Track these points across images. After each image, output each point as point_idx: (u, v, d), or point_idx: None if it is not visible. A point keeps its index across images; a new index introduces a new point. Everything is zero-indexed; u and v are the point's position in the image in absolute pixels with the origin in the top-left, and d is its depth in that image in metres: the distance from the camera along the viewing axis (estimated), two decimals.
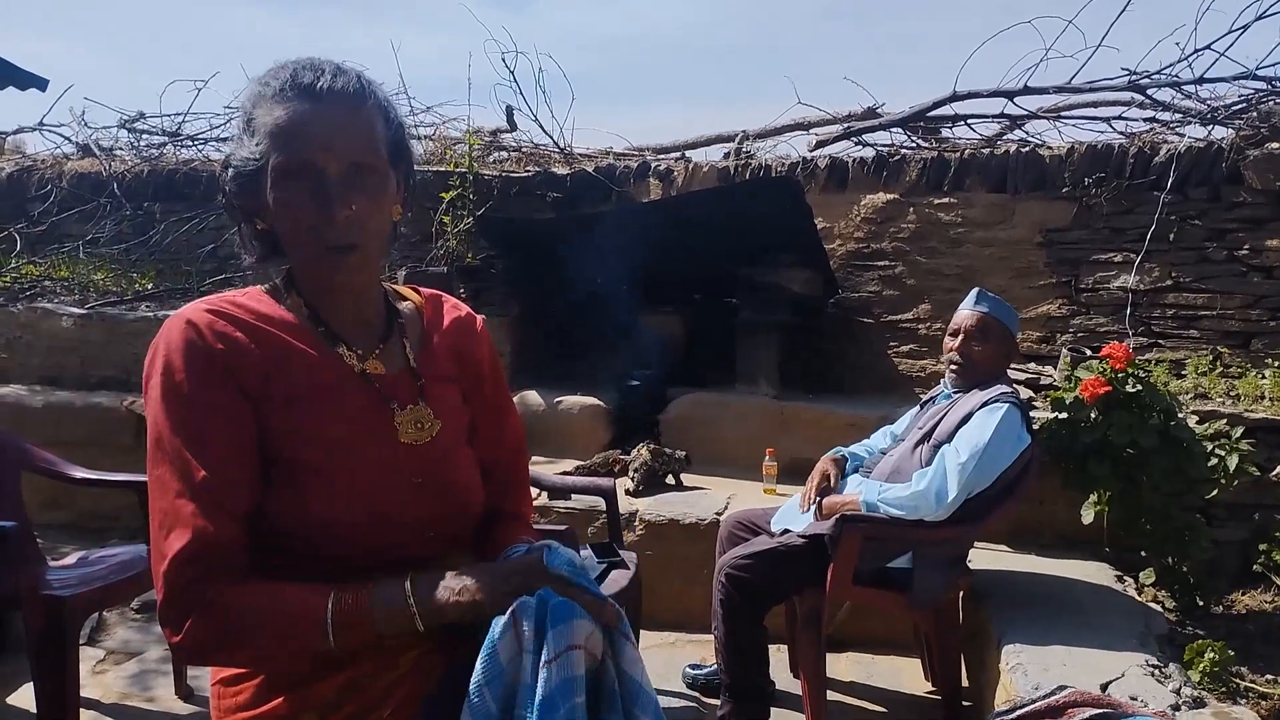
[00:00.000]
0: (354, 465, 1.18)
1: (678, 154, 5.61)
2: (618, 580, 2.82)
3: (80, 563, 2.88)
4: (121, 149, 6.62)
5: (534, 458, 4.50)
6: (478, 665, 1.08)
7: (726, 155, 5.33)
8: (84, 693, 2.85)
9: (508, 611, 1.09)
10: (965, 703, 2.99)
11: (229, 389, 1.14)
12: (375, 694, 1.17)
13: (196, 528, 1.09)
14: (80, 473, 3.10)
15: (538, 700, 1.04)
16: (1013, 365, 3.63)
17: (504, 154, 5.84)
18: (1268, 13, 4.46)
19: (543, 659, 1.06)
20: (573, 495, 3.81)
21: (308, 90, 1.15)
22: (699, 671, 3.21)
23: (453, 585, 1.14)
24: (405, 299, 1.38)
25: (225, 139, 6.42)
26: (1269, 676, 2.60)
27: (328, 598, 1.10)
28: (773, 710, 2.90)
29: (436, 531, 1.25)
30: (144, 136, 6.60)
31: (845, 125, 5.31)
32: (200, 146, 6.42)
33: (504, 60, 6.01)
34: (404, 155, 1.26)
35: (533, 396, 4.79)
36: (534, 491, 3.39)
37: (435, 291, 1.43)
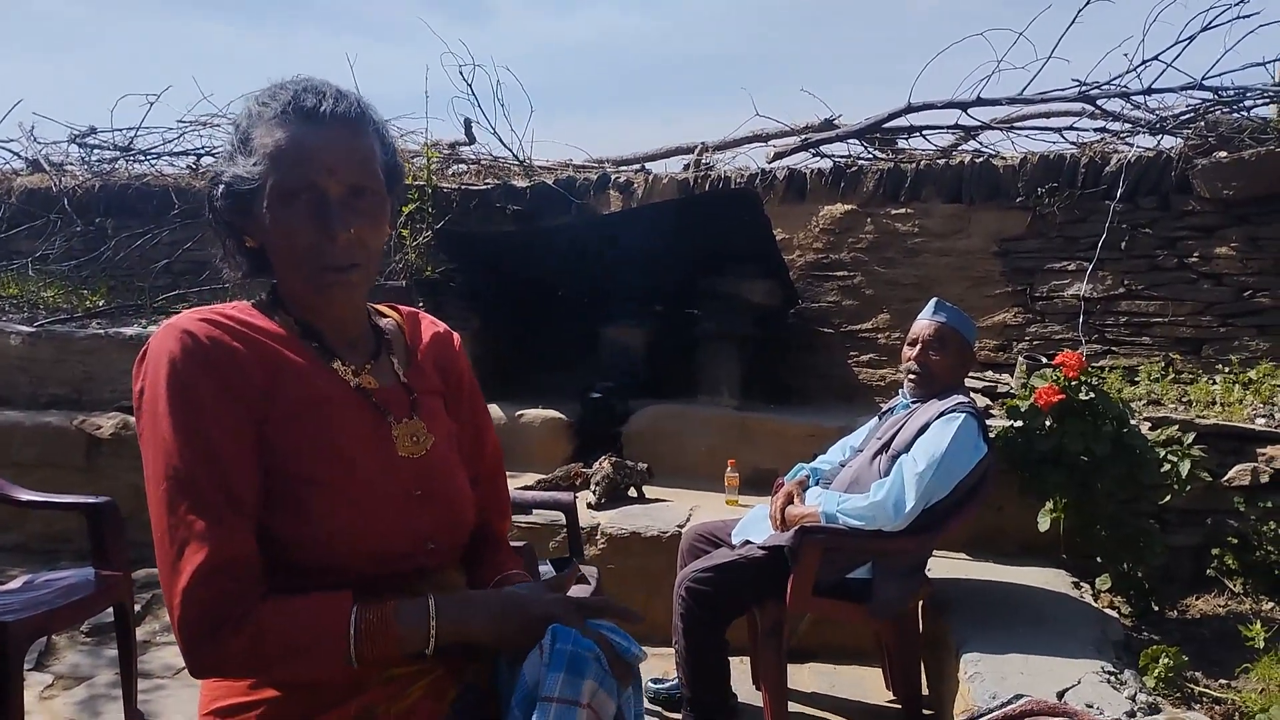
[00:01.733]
0: (356, 479, 1.18)
1: (637, 166, 5.62)
2: (579, 595, 2.80)
3: (26, 586, 2.80)
4: (72, 164, 6.52)
5: None
6: (516, 685, 1.12)
7: (686, 167, 5.36)
8: (30, 719, 2.78)
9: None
10: (926, 711, 3.00)
11: (232, 397, 1.12)
12: None
13: (215, 541, 1.07)
14: (26, 495, 3.02)
15: None
16: (970, 374, 3.66)
17: (463, 167, 5.81)
18: (1213, 24, 4.56)
19: (547, 692, 1.08)
20: (533, 510, 3.78)
21: (310, 114, 1.16)
22: (660, 685, 3.19)
23: (478, 611, 1.17)
24: (385, 316, 1.39)
25: (180, 153, 6.36)
26: (1222, 681, 2.63)
27: (350, 612, 1.10)
28: None
29: (436, 543, 1.25)
30: (95, 151, 6.51)
31: (803, 137, 5.36)
32: (153, 161, 6.34)
33: (461, 73, 6.02)
34: (397, 178, 1.28)
35: (493, 409, 4.74)
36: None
37: (413, 309, 1.44)
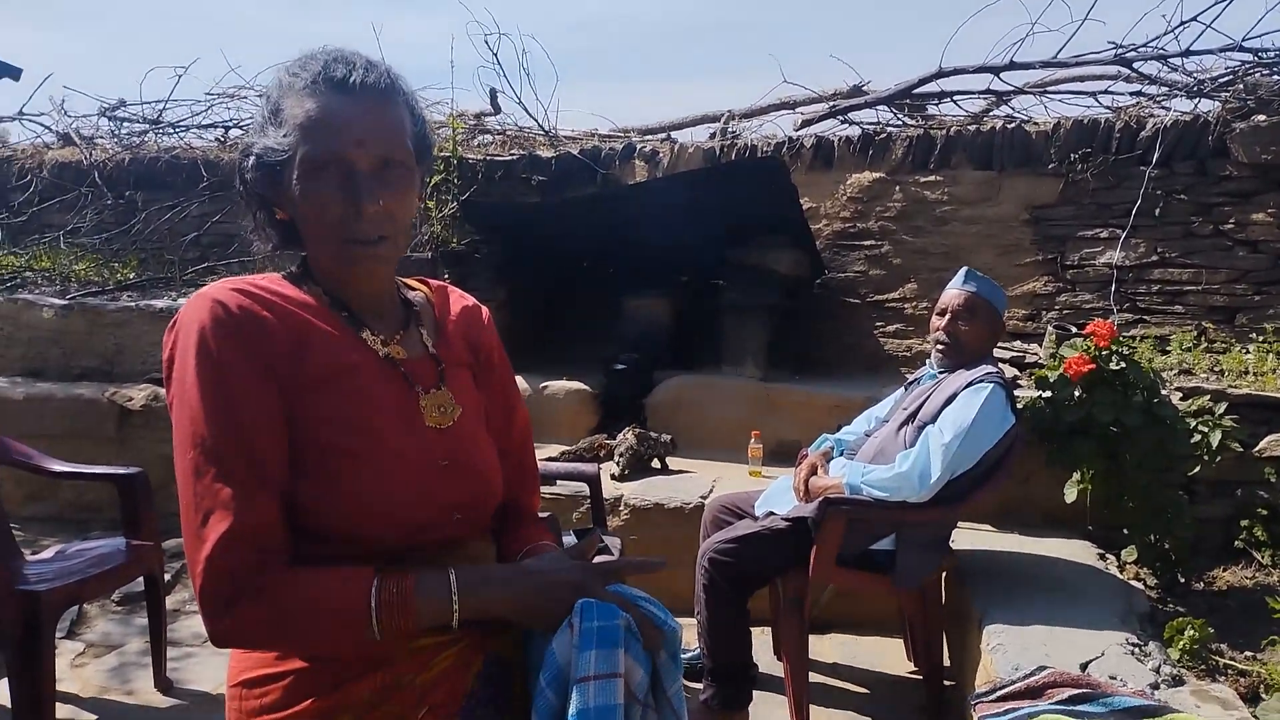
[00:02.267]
0: (385, 448, 1.17)
1: (663, 135, 5.58)
2: None
3: (58, 556, 2.87)
4: (102, 137, 6.57)
5: None
6: (544, 663, 1.12)
7: (712, 136, 5.30)
8: (62, 687, 2.85)
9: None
10: (947, 682, 2.99)
11: (260, 367, 1.12)
12: (414, 693, 1.16)
13: (240, 510, 1.07)
14: (59, 465, 3.08)
15: (573, 711, 1.06)
16: (999, 344, 3.62)
17: (488, 137, 5.80)
18: None
19: (582, 673, 1.08)
20: (557, 481, 3.80)
21: (340, 84, 1.15)
22: (682, 655, 3.20)
23: (499, 587, 1.18)
24: (414, 289, 1.39)
25: (208, 125, 6.39)
26: (1248, 653, 2.60)
27: (371, 585, 1.10)
28: (755, 692, 2.90)
29: (463, 515, 1.25)
30: (125, 124, 6.56)
31: (831, 104, 5.28)
32: (182, 133, 6.38)
33: (487, 42, 5.98)
34: (427, 150, 1.27)
35: (519, 381, 4.76)
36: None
37: (442, 283, 1.44)
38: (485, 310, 1.45)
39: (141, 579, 2.99)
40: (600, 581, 1.19)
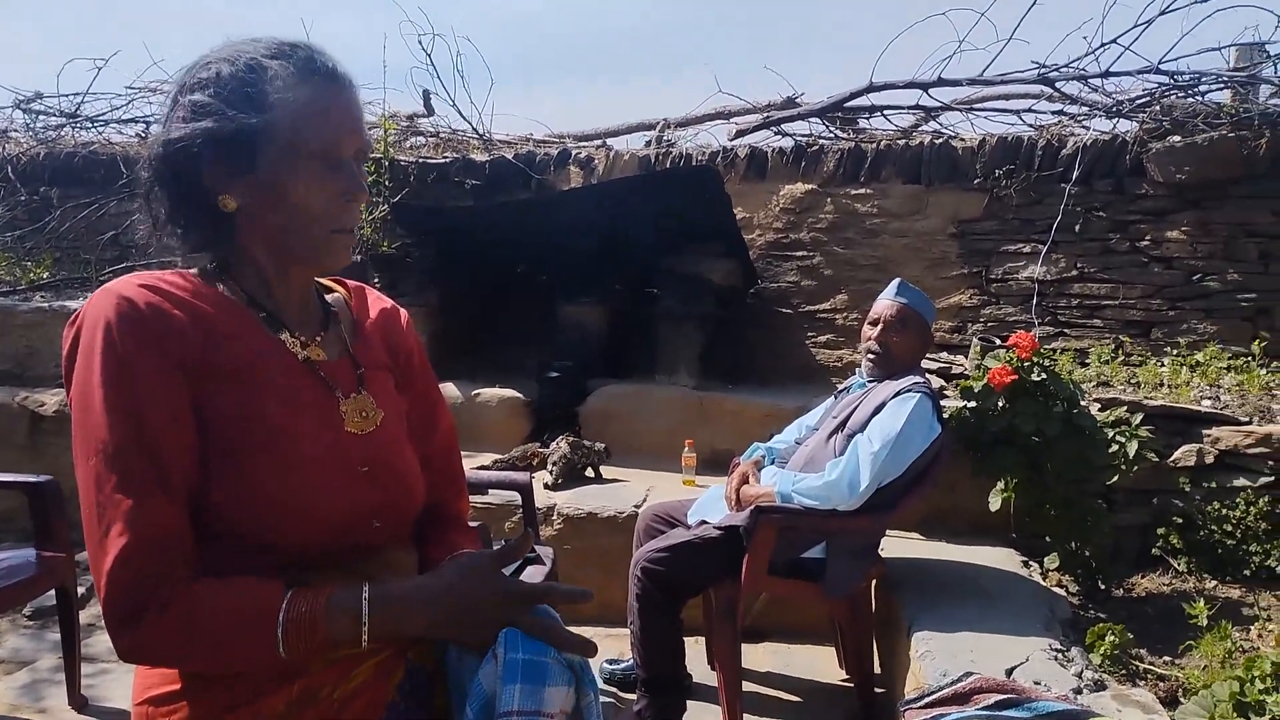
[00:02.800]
0: (303, 452, 1.14)
1: (599, 141, 5.56)
2: (533, 576, 2.79)
3: None
4: (16, 130, 6.32)
5: None
6: (470, 692, 1.09)
7: (647, 143, 5.31)
8: None
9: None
10: (878, 689, 3.03)
11: (168, 366, 1.07)
12: (331, 706, 1.13)
13: (143, 520, 1.03)
14: None
15: None
16: (926, 355, 3.68)
17: (420, 139, 5.73)
18: (1171, 8, 4.58)
19: (505, 708, 1.04)
20: (489, 490, 3.75)
21: (330, 74, 1.15)
22: (616, 666, 3.20)
23: (417, 608, 1.13)
24: (331, 290, 1.36)
25: (129, 120, 6.18)
26: (1166, 658, 2.68)
27: (281, 602, 1.06)
28: (690, 703, 2.91)
29: (382, 521, 1.21)
30: (40, 118, 6.31)
31: (765, 115, 5.32)
32: (101, 128, 6.16)
33: (420, 43, 5.91)
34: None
35: (450, 389, 4.71)
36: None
37: (359, 283, 1.41)
38: (404, 313, 1.43)
39: (53, 592, 2.87)
40: (525, 608, 1.15)
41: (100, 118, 6.19)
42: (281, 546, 1.12)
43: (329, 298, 1.33)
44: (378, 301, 1.39)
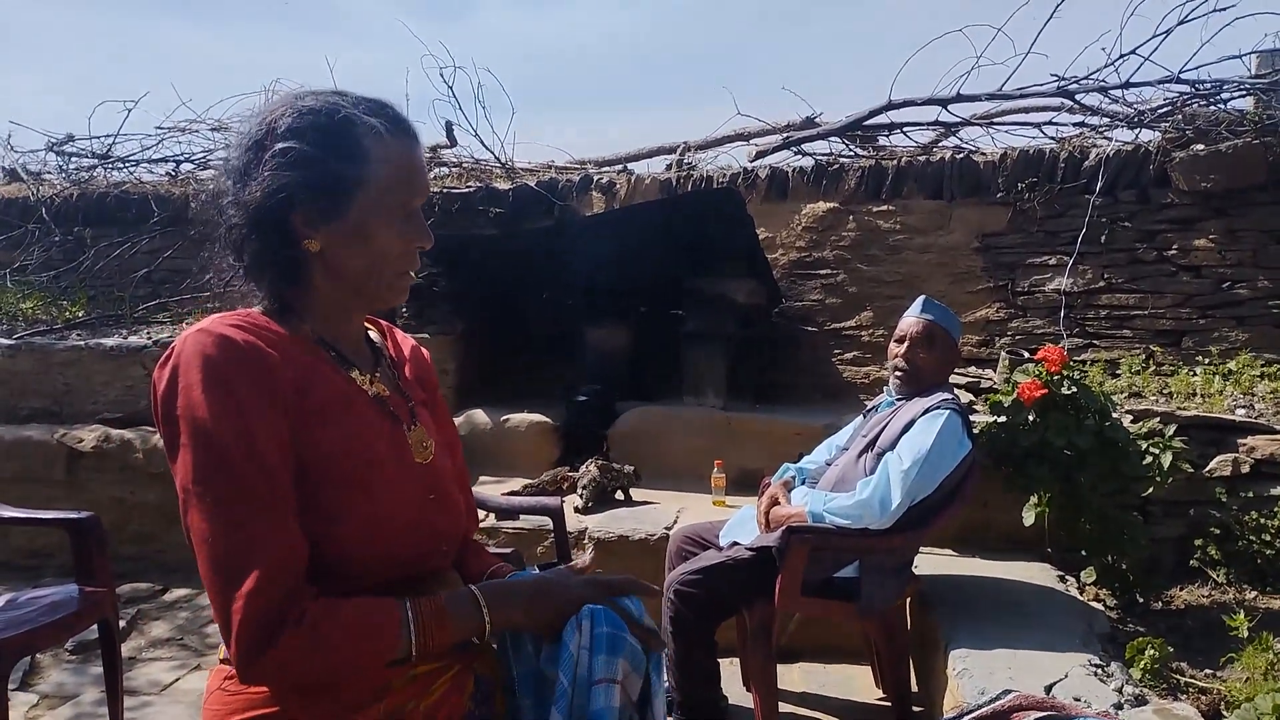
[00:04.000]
0: (386, 483, 1.21)
1: (620, 166, 5.61)
2: None
3: (9, 605, 2.78)
4: (50, 173, 6.47)
5: (481, 478, 4.46)
6: (559, 658, 1.22)
7: (668, 167, 5.35)
8: None
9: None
10: (916, 708, 3.01)
11: (270, 399, 1.12)
12: (417, 717, 1.20)
13: (275, 542, 1.08)
14: (7, 511, 3.00)
15: (592, 710, 1.18)
16: (954, 369, 3.67)
17: (444, 170, 5.79)
18: (1190, 17, 4.58)
19: (598, 676, 1.20)
20: (520, 515, 3.78)
21: (409, 131, 1.25)
22: None
23: (522, 601, 1.25)
24: (370, 329, 1.42)
25: (159, 160, 6.30)
26: (1208, 671, 2.65)
27: (403, 606, 1.15)
28: None
29: (448, 545, 1.32)
30: (73, 159, 6.45)
31: (784, 135, 5.36)
32: (132, 168, 6.29)
33: (442, 75, 6.02)
34: None
35: (479, 415, 4.74)
36: (480, 514, 3.36)
37: (386, 322, 1.47)
38: (425, 350, 1.50)
39: (96, 626, 2.91)
40: (605, 594, 1.28)
41: (131, 158, 6.32)
42: (364, 574, 1.18)
43: (372, 335, 1.40)
44: (404, 338, 1.47)
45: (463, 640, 1.21)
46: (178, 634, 3.72)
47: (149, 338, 4.84)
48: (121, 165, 6.31)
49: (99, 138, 6.42)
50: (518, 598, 1.25)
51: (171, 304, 5.42)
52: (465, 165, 5.77)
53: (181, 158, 6.27)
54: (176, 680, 3.33)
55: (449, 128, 5.83)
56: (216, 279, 1.26)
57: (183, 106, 10.05)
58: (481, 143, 5.68)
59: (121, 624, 3.19)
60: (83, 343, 4.78)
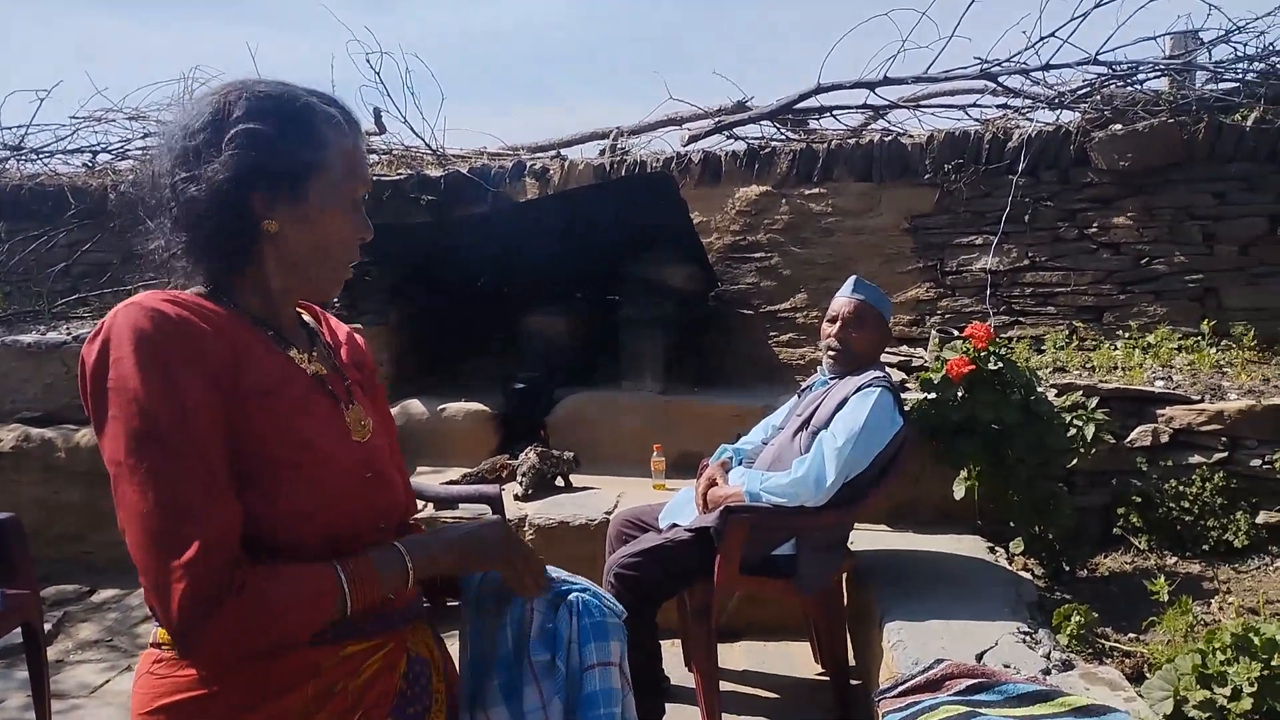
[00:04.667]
0: (321, 461, 1.21)
1: (553, 152, 5.58)
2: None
3: None
4: None
5: (419, 467, 4.42)
6: (556, 641, 1.34)
7: (602, 152, 5.33)
8: None
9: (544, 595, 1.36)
10: (854, 681, 3.07)
11: (204, 374, 1.11)
12: (346, 698, 1.19)
13: (211, 515, 1.07)
14: None
15: (588, 690, 1.31)
16: (886, 348, 3.73)
17: (374, 157, 5.70)
18: (1106, 0, 4.69)
19: (588, 662, 1.32)
20: (460, 504, 3.75)
21: (356, 123, 1.31)
22: None
23: (440, 544, 1.29)
24: (301, 312, 1.42)
25: (75, 150, 6.09)
26: (1131, 635, 2.75)
27: (335, 566, 1.16)
28: (668, 705, 2.92)
29: (386, 523, 1.33)
30: None
31: (716, 120, 5.38)
32: (46, 160, 6.06)
33: (369, 61, 5.88)
34: None
35: (415, 405, 4.69)
36: (419, 504, 3.33)
37: (318, 307, 1.47)
38: (358, 333, 1.52)
39: (19, 630, 2.83)
40: (525, 545, 1.37)
41: (45, 149, 6.09)
42: (300, 551, 1.17)
43: (305, 318, 1.40)
44: (339, 324, 1.48)
45: (392, 591, 1.23)
46: (107, 635, 3.62)
47: (69, 334, 4.68)
48: (35, 157, 6.08)
49: (10, 129, 6.19)
50: (444, 545, 1.29)
51: (91, 299, 5.26)
52: (395, 153, 5.69)
53: (99, 148, 6.07)
54: (107, 682, 3.25)
55: (377, 114, 5.73)
56: (159, 252, 1.25)
57: (98, 95, 9.68)
58: (412, 129, 5.65)
59: (48, 627, 3.11)
60: None
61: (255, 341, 1.22)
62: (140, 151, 5.95)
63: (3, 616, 2.72)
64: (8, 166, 6.04)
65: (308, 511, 1.18)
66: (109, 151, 6.03)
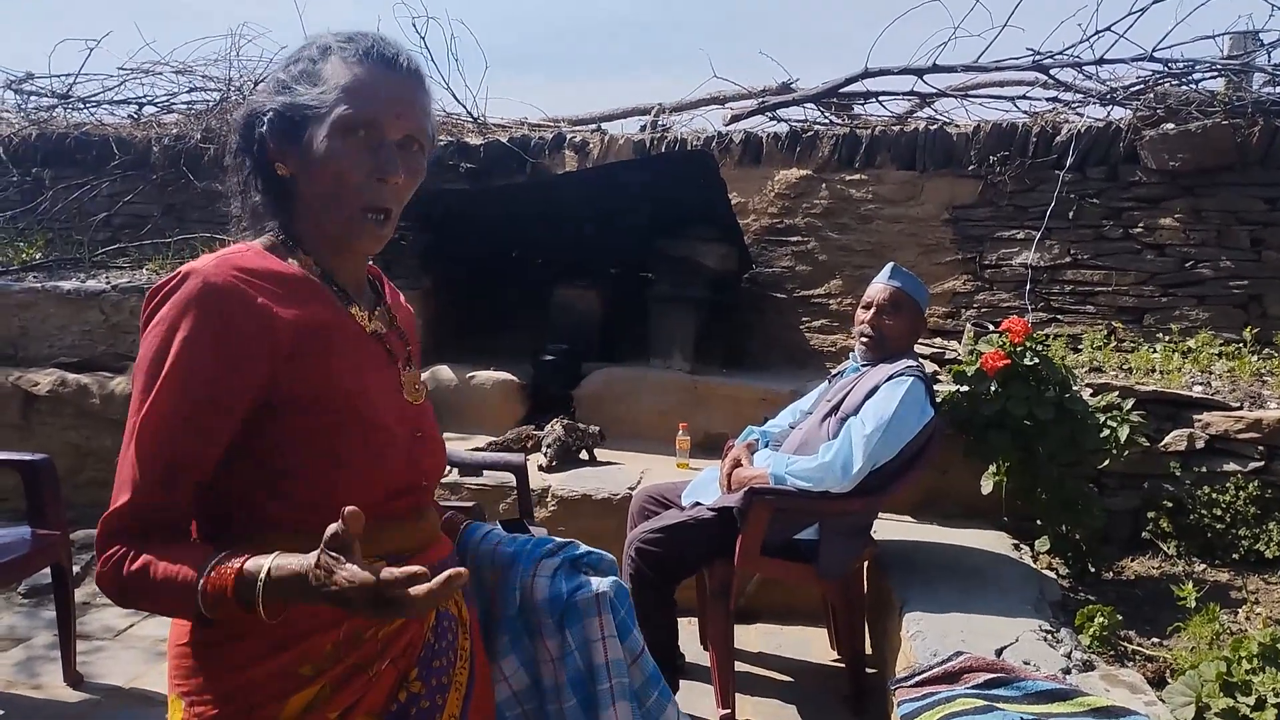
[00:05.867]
0: (377, 417, 1.22)
1: (593, 126, 5.55)
2: None
3: None
4: (8, 111, 6.27)
5: (445, 434, 4.43)
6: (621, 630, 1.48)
7: (642, 128, 5.30)
8: None
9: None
10: (869, 670, 3.06)
11: (236, 356, 1.13)
12: (374, 646, 1.20)
13: (141, 489, 1.10)
14: None
15: (650, 673, 1.51)
16: (920, 339, 3.70)
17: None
18: None
19: (636, 649, 1.48)
20: (484, 471, 3.77)
21: (389, 61, 1.22)
22: None
23: (308, 591, 1.04)
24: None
25: (121, 101, 6.14)
26: (1155, 640, 2.71)
27: (196, 589, 1.06)
28: (682, 682, 2.93)
29: (429, 481, 1.35)
30: (32, 98, 6.27)
31: (760, 100, 5.32)
32: (93, 109, 6.12)
33: (414, 25, 5.86)
34: (433, 146, 1.33)
35: (445, 371, 4.71)
36: (445, 468, 3.35)
37: (378, 269, 1.46)
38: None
39: (49, 570, 2.88)
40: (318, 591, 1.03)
41: (93, 99, 6.15)
42: (347, 503, 1.10)
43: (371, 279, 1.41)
44: (394, 290, 1.47)
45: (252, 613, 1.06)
46: None
47: (108, 282, 4.74)
48: (82, 106, 6.14)
49: (59, 77, 6.25)
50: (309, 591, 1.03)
51: (131, 249, 5.31)
52: (437, 119, 5.68)
53: (144, 100, 6.11)
54: (131, 626, 3.30)
55: None
56: (242, 195, 1.28)
57: (146, 48, 9.79)
58: (454, 96, 5.61)
59: (76, 569, 3.15)
60: (40, 285, 4.68)
61: (314, 296, 1.22)
62: (185, 105, 6.00)
63: (32, 556, 2.77)
64: (55, 115, 6.10)
65: (363, 466, 1.19)
66: (154, 104, 6.08)
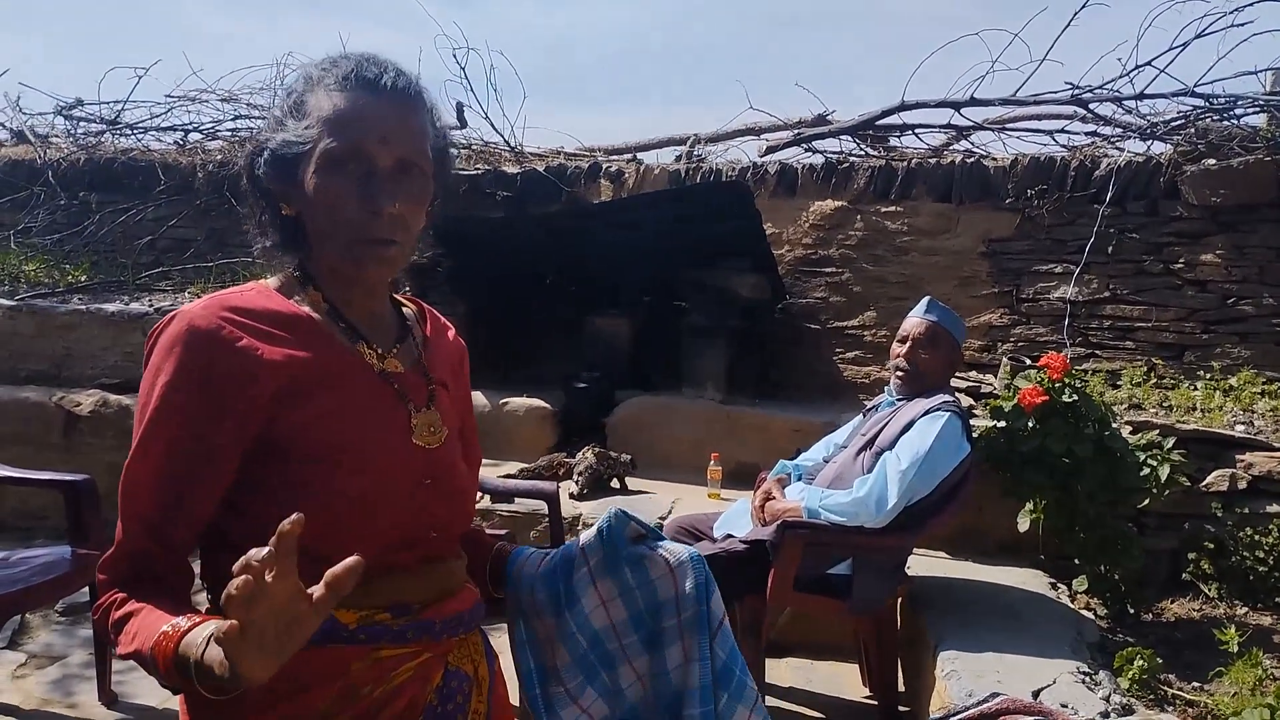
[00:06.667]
0: (373, 463, 1.16)
1: (629, 155, 5.59)
2: None
3: (1, 564, 2.79)
4: (58, 136, 6.43)
5: None
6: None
7: (678, 158, 5.34)
8: (2, 698, 2.77)
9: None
10: (902, 708, 3.01)
11: (221, 406, 1.11)
12: (372, 703, 1.14)
13: (128, 537, 1.12)
14: (3, 471, 3.00)
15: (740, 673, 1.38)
16: (956, 374, 3.67)
17: (453, 151, 5.76)
18: (1206, 31, 4.56)
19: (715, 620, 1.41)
20: (516, 499, 3.79)
21: (370, 84, 1.15)
22: None
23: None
24: (403, 304, 1.37)
25: (168, 128, 6.28)
26: (1195, 684, 2.66)
27: (152, 650, 1.01)
28: None
29: (440, 533, 1.24)
30: (81, 124, 6.42)
31: (795, 131, 5.34)
32: (140, 135, 6.26)
33: (455, 56, 5.92)
34: (446, 164, 1.27)
35: (478, 397, 4.72)
36: (476, 495, 3.36)
37: (421, 301, 1.42)
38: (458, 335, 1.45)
39: (86, 589, 2.91)
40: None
41: (139, 125, 6.29)
42: (340, 556, 1.05)
43: (405, 312, 1.35)
44: (445, 323, 1.41)
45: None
46: None
47: (150, 305, 4.83)
48: (130, 132, 6.28)
49: (108, 103, 6.40)
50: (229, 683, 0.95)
51: (174, 273, 5.40)
52: (474, 147, 5.75)
53: (190, 127, 6.24)
54: None
55: (459, 109, 5.80)
56: (259, 238, 1.25)
57: (193, 76, 9.97)
58: (492, 125, 5.68)
59: None
60: (84, 307, 4.78)
61: (318, 338, 1.18)
62: (230, 133, 6.12)
63: (72, 576, 2.80)
64: (103, 140, 6.25)
65: (352, 515, 1.13)
66: (200, 131, 6.20)
